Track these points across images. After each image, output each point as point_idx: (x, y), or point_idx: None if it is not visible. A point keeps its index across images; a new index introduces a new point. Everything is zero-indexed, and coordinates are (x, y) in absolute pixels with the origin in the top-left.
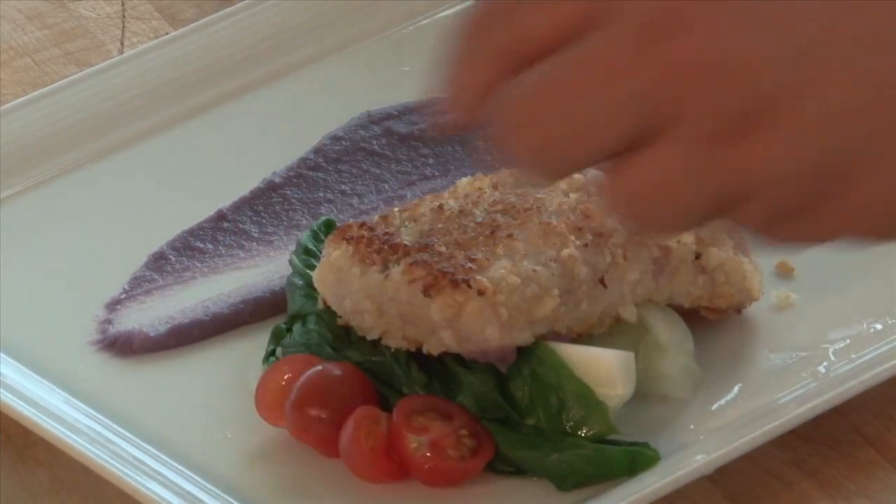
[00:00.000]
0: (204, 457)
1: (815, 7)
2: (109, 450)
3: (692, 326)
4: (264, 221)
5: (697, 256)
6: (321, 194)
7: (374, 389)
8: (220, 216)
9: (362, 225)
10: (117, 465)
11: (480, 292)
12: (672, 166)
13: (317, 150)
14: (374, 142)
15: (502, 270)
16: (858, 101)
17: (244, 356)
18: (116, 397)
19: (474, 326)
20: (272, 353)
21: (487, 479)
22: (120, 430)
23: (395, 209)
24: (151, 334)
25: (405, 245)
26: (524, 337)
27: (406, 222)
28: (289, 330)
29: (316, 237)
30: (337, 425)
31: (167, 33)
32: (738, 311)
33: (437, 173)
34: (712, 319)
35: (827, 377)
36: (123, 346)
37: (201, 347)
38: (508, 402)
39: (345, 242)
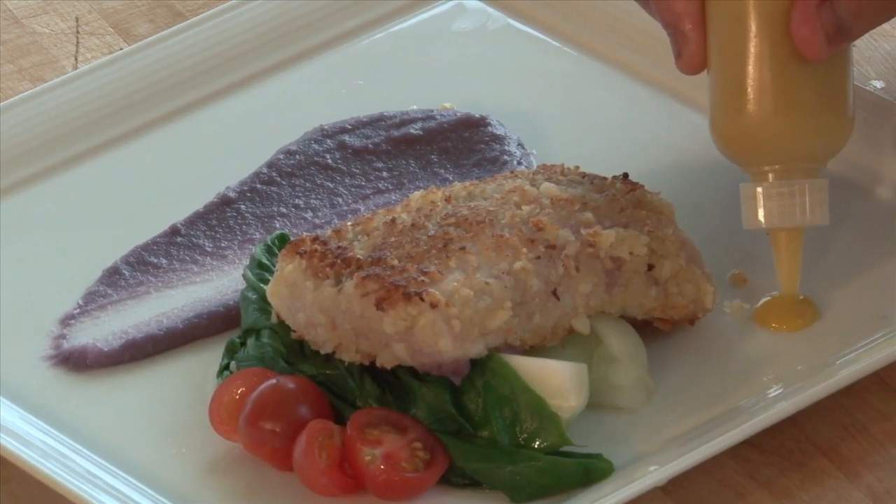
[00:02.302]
0: (158, 471)
1: None
2: (64, 464)
3: (645, 338)
4: (218, 236)
5: (650, 268)
6: (275, 208)
7: (327, 403)
8: (174, 231)
9: (315, 239)
10: (71, 479)
11: (433, 305)
12: None
13: (270, 165)
14: (328, 156)
15: (455, 283)
16: None
17: (198, 370)
18: (70, 412)
19: (427, 339)
20: (226, 367)
21: (442, 491)
22: (74, 444)
23: (349, 223)
24: (105, 349)
25: (358, 259)
26: (477, 349)
27: (359, 236)
28: (243, 344)
29: (270, 251)
30: (290, 439)
31: (121, 48)
32: (692, 322)
33: (390, 187)
34: (665, 331)
35: (780, 388)
36: (77, 361)
37: (155, 362)
38: (462, 414)
39: (298, 256)
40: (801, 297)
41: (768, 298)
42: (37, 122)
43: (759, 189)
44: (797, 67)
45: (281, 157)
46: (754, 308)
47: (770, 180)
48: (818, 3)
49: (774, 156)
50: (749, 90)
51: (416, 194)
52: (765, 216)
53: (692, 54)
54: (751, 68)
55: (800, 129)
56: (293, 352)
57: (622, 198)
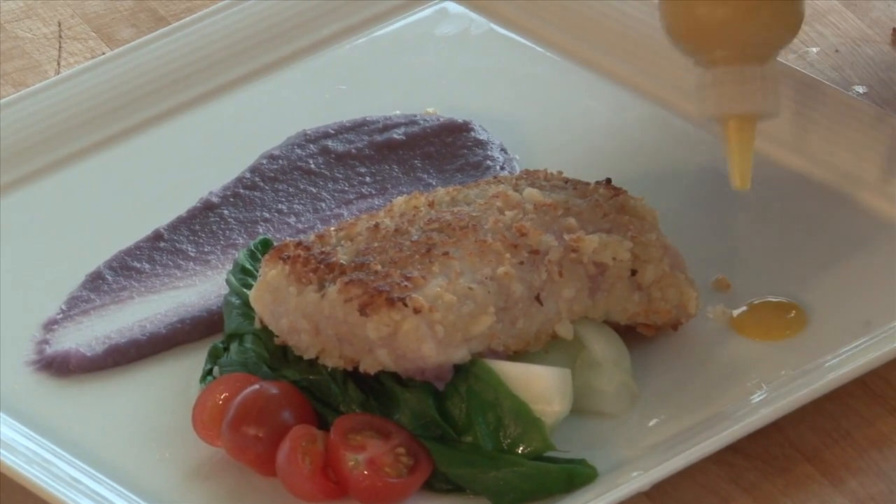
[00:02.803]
0: (141, 476)
1: None
2: (47, 470)
3: (629, 343)
4: (201, 241)
5: (633, 273)
6: (258, 213)
7: (311, 408)
8: (157, 236)
9: (299, 244)
10: (55, 484)
11: (416, 310)
12: None
13: (253, 170)
14: (311, 161)
15: (438, 288)
16: None
17: (181, 375)
18: (54, 417)
19: (411, 344)
20: (209, 372)
21: (425, 496)
22: (57, 449)
23: (332, 228)
24: (88, 354)
25: (341, 264)
26: (461, 354)
27: (342, 241)
28: (226, 349)
29: (253, 256)
30: (274, 444)
31: (104, 53)
32: (675, 327)
33: (373, 192)
34: (649, 336)
35: (764, 393)
36: (61, 367)
37: (138, 367)
38: (446, 419)
39: (281, 262)
40: (793, 313)
41: (747, 310)
42: (19, 127)
43: (709, 76)
44: None
45: (264, 161)
46: (736, 315)
47: (721, 67)
48: None
49: (725, 40)
50: None
51: (400, 199)
52: (716, 103)
53: None
54: None
55: (750, 12)
56: (276, 357)
57: (605, 203)
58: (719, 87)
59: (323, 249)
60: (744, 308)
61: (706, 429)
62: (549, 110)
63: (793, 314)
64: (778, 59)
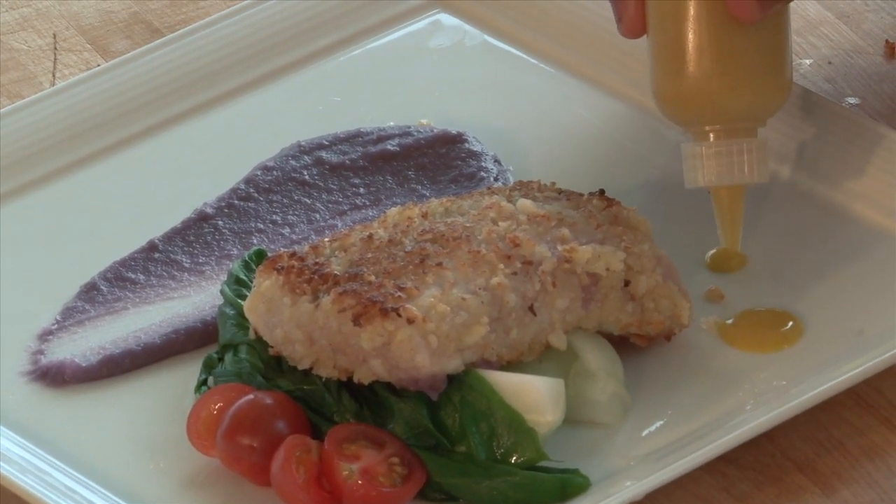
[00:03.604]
0: (136, 486)
1: None
2: (41, 479)
3: (622, 353)
4: (196, 252)
5: (626, 284)
6: (252, 224)
7: (305, 418)
8: (152, 247)
9: (293, 255)
10: (49, 494)
11: (410, 321)
12: None
13: (248, 181)
14: (305, 172)
15: (432, 299)
16: None
17: (176, 386)
18: (48, 427)
19: (404, 355)
20: (204, 382)
21: None
22: (52, 459)
23: (326, 239)
24: (83, 364)
25: (335, 275)
26: (454, 364)
27: (336, 252)
28: (220, 359)
29: (247, 267)
30: (268, 454)
31: (99, 65)
32: (668, 337)
33: (367, 203)
34: (642, 346)
35: (756, 403)
36: (55, 377)
37: (133, 377)
38: (439, 429)
39: (275, 272)
40: (789, 325)
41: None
42: (14, 139)
43: (700, 148)
44: (733, 29)
45: (258, 173)
46: (729, 328)
47: (711, 140)
48: None
49: (714, 116)
50: (688, 52)
51: (393, 210)
52: (706, 175)
53: (631, 19)
54: (688, 31)
55: (738, 89)
56: (271, 367)
57: (598, 214)
58: (708, 159)
59: (317, 260)
60: (736, 320)
61: (699, 438)
62: (542, 121)
63: (789, 326)
64: None
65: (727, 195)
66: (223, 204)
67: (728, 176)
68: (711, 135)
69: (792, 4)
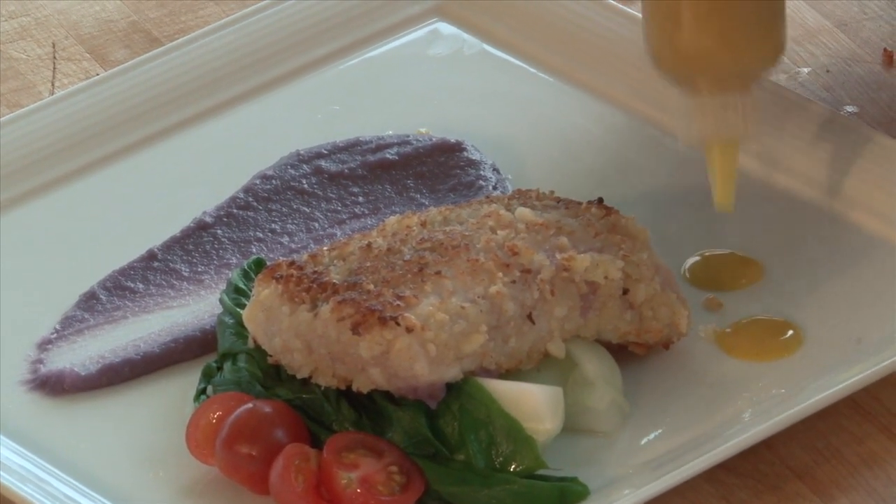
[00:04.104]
0: (135, 495)
1: None
2: (41, 489)
3: (620, 361)
4: (195, 260)
5: (625, 292)
6: (251, 233)
7: (304, 427)
8: (151, 256)
9: (291, 264)
10: (49, 503)
11: (409, 329)
12: None
13: (247, 190)
14: (304, 181)
15: (430, 307)
16: None
17: (175, 395)
18: (48, 436)
19: (403, 363)
20: (203, 391)
21: None
22: (51, 468)
23: (325, 248)
24: (82, 373)
25: (334, 283)
26: (453, 373)
27: (335, 261)
28: (219, 368)
29: (246, 276)
30: (267, 463)
31: (98, 74)
32: (667, 346)
33: (366, 212)
34: (640, 354)
35: (754, 411)
36: (55, 386)
37: (132, 386)
38: (438, 437)
39: (274, 281)
40: (789, 333)
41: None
42: (13, 148)
43: (694, 103)
44: None
45: (257, 182)
46: (728, 337)
47: (705, 96)
48: None
49: (706, 70)
50: (683, 9)
51: (392, 219)
52: (700, 129)
53: None
54: None
55: (732, 45)
56: (270, 376)
57: (597, 222)
58: (702, 114)
59: (316, 269)
60: (734, 328)
61: (697, 446)
62: (541, 130)
63: (788, 334)
64: (769, 79)
65: (720, 151)
66: (222, 213)
67: (722, 131)
68: (706, 91)
69: (790, 12)
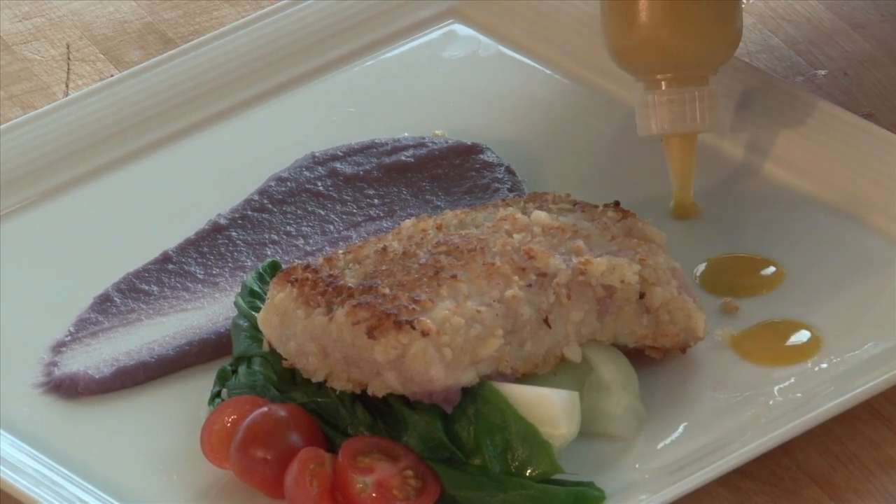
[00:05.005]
0: (149, 498)
1: None
2: (55, 492)
3: (637, 366)
4: (209, 263)
5: (641, 296)
6: (266, 235)
7: (319, 431)
8: (166, 258)
9: (307, 267)
10: None
11: (424, 333)
12: None
13: (262, 192)
14: (319, 183)
15: (446, 311)
16: None
17: (189, 398)
18: (62, 439)
19: (419, 367)
20: (217, 394)
21: None
22: (65, 472)
23: (340, 251)
24: (97, 376)
25: (349, 287)
26: (469, 377)
27: (350, 264)
28: (234, 371)
29: (261, 279)
30: (282, 466)
31: (112, 75)
32: (683, 350)
33: (381, 214)
34: (657, 358)
35: (771, 416)
36: (69, 389)
37: (146, 389)
38: (454, 442)
39: (289, 285)
40: (807, 336)
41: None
42: (28, 149)
43: (652, 97)
44: None
45: (272, 184)
46: (744, 337)
47: (663, 88)
48: None
49: (665, 64)
50: (640, 2)
51: (408, 222)
52: (657, 123)
53: None
54: None
55: (688, 38)
56: (284, 380)
57: (613, 226)
58: (660, 107)
59: (331, 272)
60: (751, 332)
61: (714, 451)
62: (557, 133)
63: (805, 338)
64: (787, 81)
65: (678, 143)
66: (237, 215)
67: (679, 123)
68: (663, 83)
69: (806, 14)
